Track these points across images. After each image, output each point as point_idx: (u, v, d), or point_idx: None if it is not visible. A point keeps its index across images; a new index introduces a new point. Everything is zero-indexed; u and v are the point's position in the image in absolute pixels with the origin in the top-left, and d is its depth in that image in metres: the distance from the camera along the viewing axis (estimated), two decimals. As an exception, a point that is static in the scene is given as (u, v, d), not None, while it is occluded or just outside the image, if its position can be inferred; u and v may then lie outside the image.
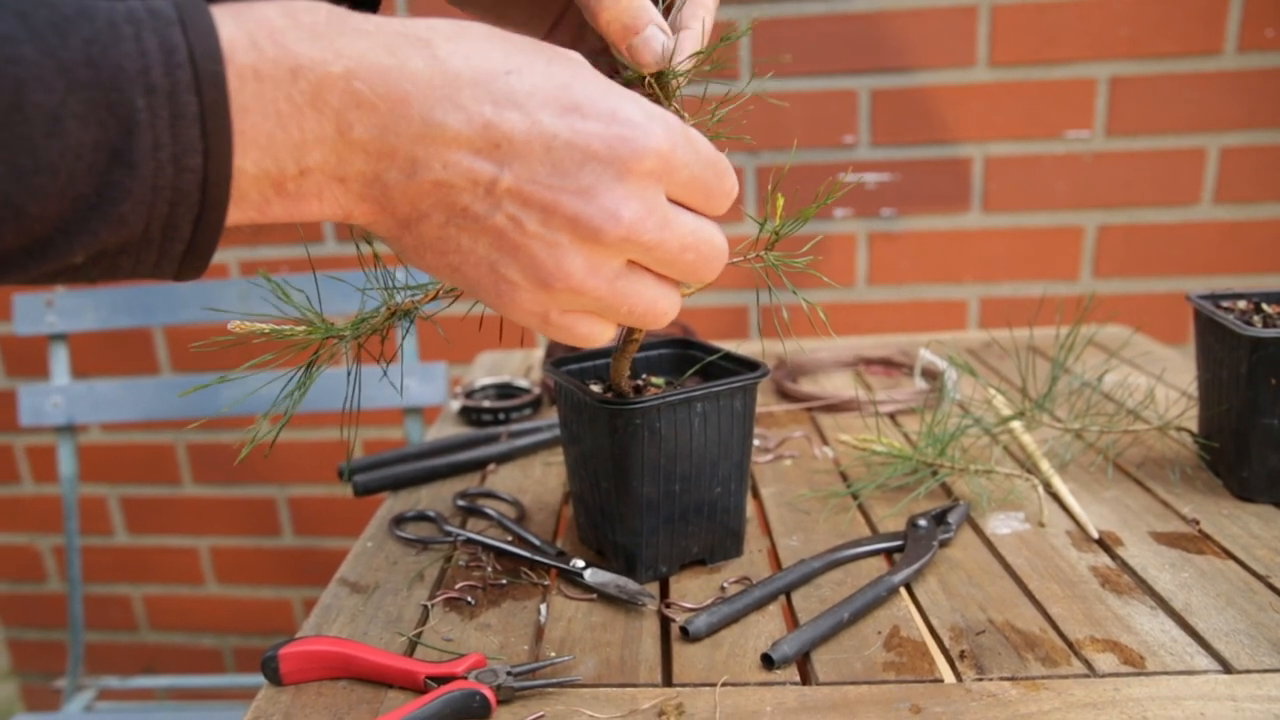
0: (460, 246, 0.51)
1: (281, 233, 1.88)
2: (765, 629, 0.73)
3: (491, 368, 1.45)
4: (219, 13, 0.44)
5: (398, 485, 1.03)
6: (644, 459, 0.75)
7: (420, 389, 1.52)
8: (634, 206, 0.51)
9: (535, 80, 0.49)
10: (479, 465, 1.06)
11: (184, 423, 2.02)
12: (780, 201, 0.70)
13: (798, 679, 0.67)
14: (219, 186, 0.43)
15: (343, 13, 0.47)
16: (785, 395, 1.25)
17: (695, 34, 0.65)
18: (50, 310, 1.54)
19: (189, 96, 0.41)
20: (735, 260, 0.71)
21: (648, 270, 0.55)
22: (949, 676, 0.66)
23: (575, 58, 0.51)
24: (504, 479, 1.04)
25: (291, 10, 0.45)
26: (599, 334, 0.57)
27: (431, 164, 0.48)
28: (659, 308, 0.56)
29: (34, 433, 2.08)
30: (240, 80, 0.43)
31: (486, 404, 1.19)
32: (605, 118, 0.50)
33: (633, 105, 0.51)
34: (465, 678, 0.65)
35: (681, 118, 0.68)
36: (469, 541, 0.87)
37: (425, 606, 0.78)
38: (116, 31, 0.40)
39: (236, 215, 0.45)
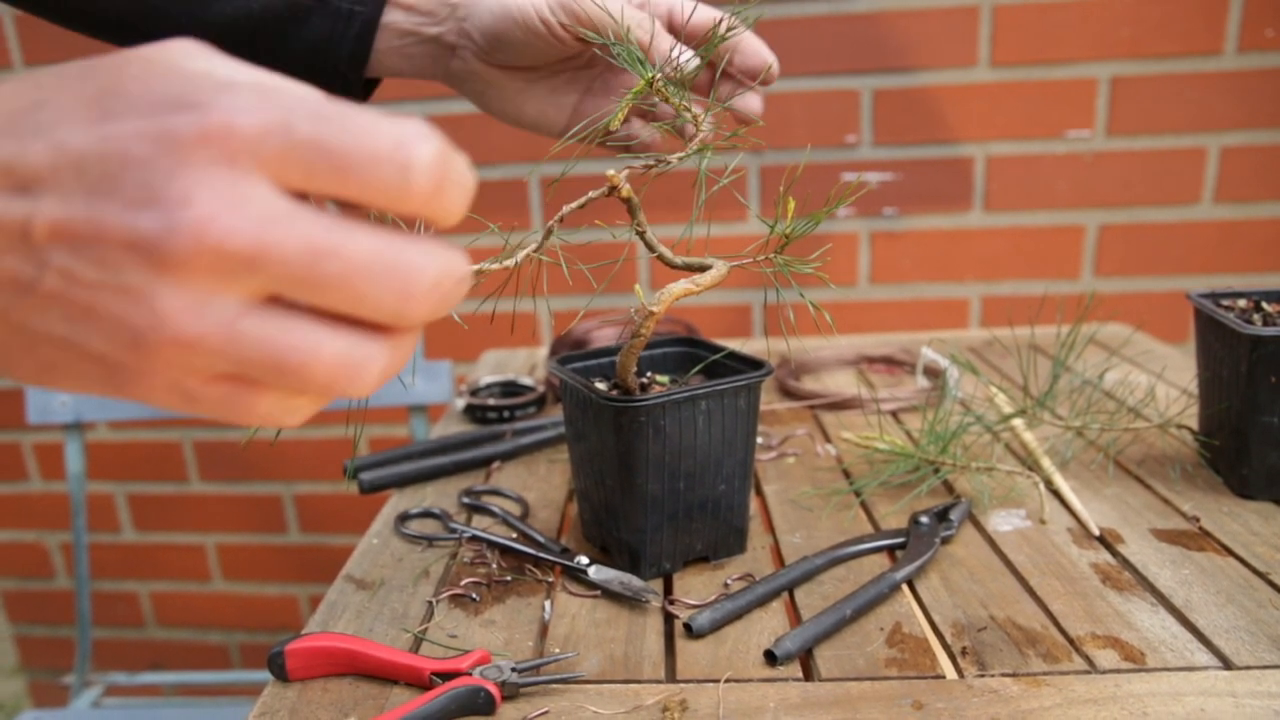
0: (36, 334, 0.38)
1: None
2: (768, 625, 0.73)
3: (496, 366, 1.46)
4: None
5: (403, 483, 1.03)
6: (649, 456, 0.75)
7: (425, 387, 1.52)
8: (200, 197, 0.35)
9: (63, 104, 0.37)
10: (484, 463, 1.07)
11: (190, 421, 2.02)
12: (791, 205, 0.70)
13: (800, 675, 0.67)
14: None
15: None
16: (788, 393, 1.25)
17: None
18: None
19: None
20: (743, 261, 0.72)
21: (299, 306, 0.38)
22: (951, 673, 0.66)
23: (133, 65, 0.38)
24: (509, 476, 1.04)
25: None
26: (282, 410, 0.40)
27: None
28: (326, 355, 0.38)
29: (41, 430, 2.08)
30: None
31: (491, 402, 1.20)
32: (144, 109, 0.36)
33: (187, 85, 0.36)
34: (470, 674, 0.66)
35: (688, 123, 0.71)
36: (474, 538, 0.87)
37: (430, 603, 0.79)
38: None
39: None
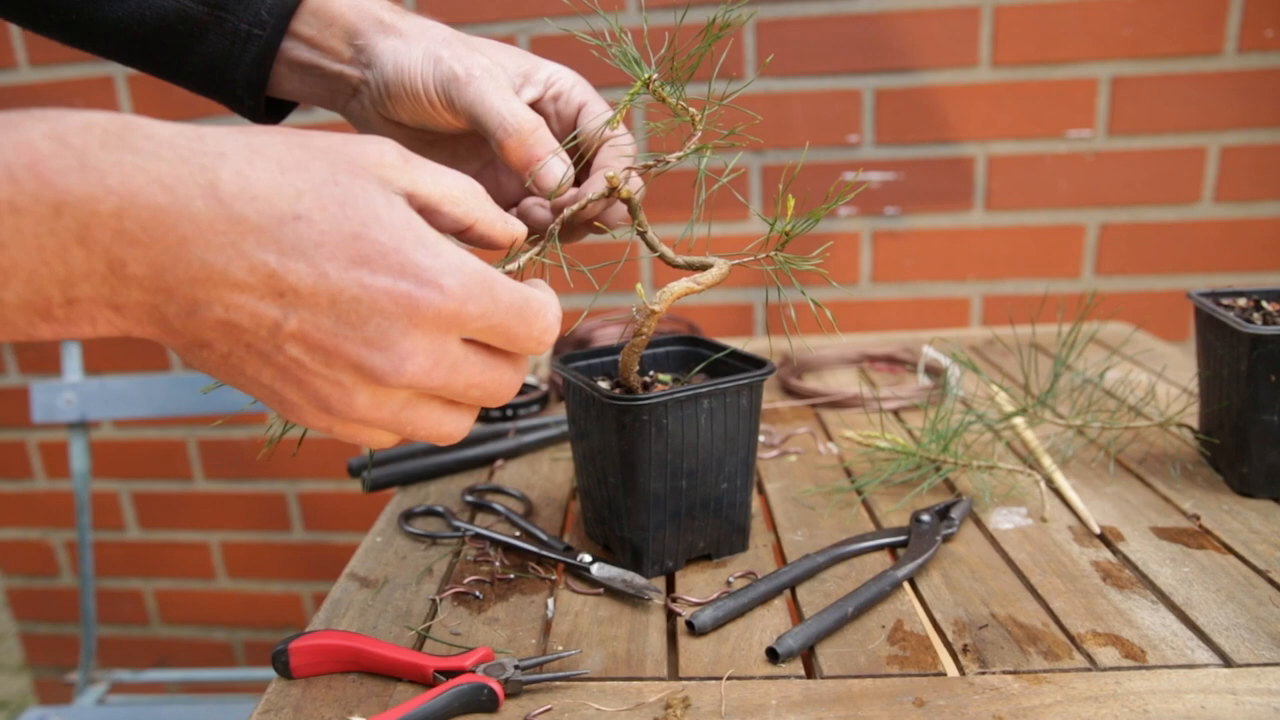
0: (244, 372, 0.49)
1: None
2: (770, 623, 0.73)
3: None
4: None
5: (407, 481, 1.03)
6: (651, 455, 0.76)
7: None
8: (419, 360, 0.49)
9: (324, 229, 0.46)
10: (487, 461, 1.07)
11: (195, 419, 2.02)
12: (791, 203, 0.70)
13: (802, 673, 0.67)
14: None
15: (126, 127, 0.43)
16: (791, 392, 1.26)
17: (599, 182, 0.68)
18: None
19: None
20: (745, 260, 0.72)
21: (435, 398, 0.54)
22: (952, 670, 0.66)
23: (372, 195, 0.48)
24: (512, 474, 1.05)
25: (62, 132, 0.41)
26: (385, 442, 0.56)
27: (213, 306, 0.45)
28: (444, 430, 0.55)
29: (47, 429, 2.09)
30: None
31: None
32: (394, 271, 0.47)
33: (427, 256, 0.48)
34: (473, 671, 0.66)
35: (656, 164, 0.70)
36: (477, 536, 0.88)
37: (434, 601, 0.79)
38: None
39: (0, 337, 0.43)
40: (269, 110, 0.80)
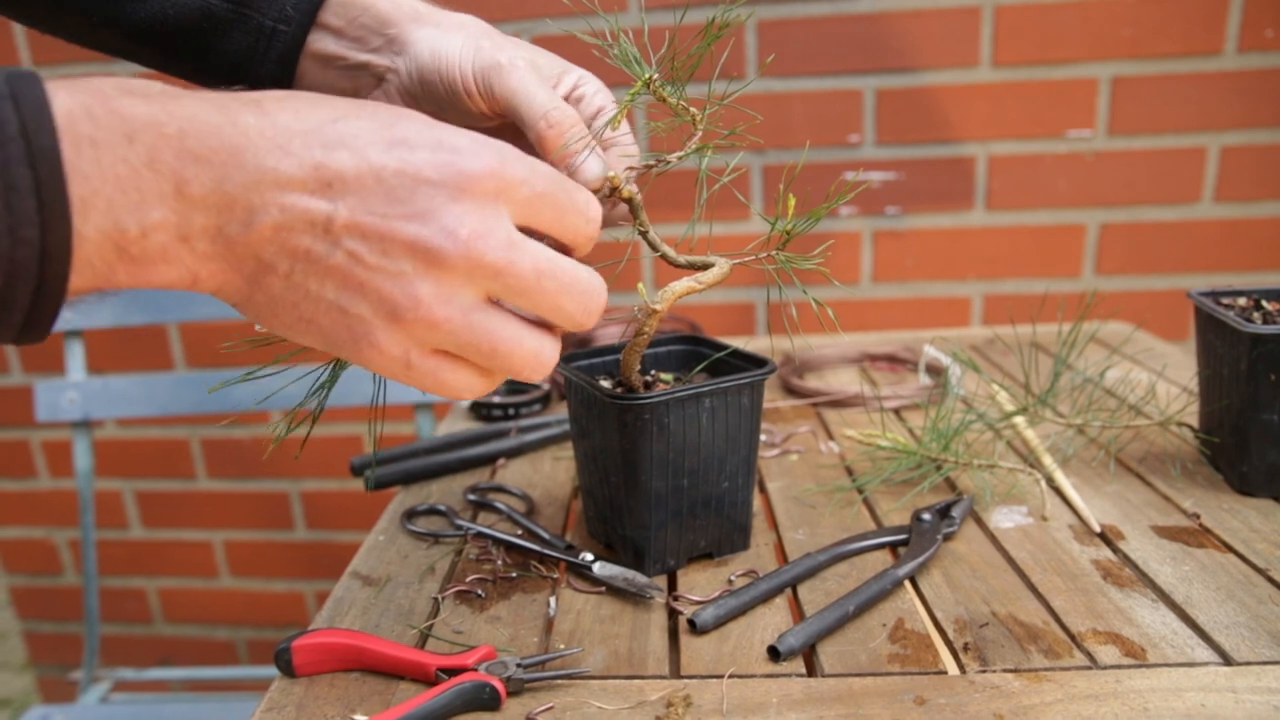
0: (309, 293, 0.51)
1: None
2: (771, 622, 0.73)
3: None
4: (53, 86, 0.44)
5: (409, 480, 1.03)
6: (653, 454, 0.76)
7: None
8: (471, 222, 0.50)
9: (361, 123, 0.50)
10: (489, 460, 1.07)
11: (198, 418, 2.03)
12: (792, 202, 0.70)
13: (804, 671, 0.67)
14: (58, 260, 0.43)
15: (176, 88, 0.48)
16: (792, 391, 1.26)
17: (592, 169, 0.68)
18: (66, 307, 1.55)
19: (22, 170, 0.41)
20: (746, 259, 0.72)
21: (511, 312, 0.54)
22: (953, 668, 0.66)
23: (402, 110, 0.52)
24: (514, 474, 1.05)
25: (125, 82, 0.46)
26: (468, 384, 0.56)
27: (269, 208, 0.48)
28: (526, 348, 0.55)
29: (50, 428, 2.10)
30: (77, 149, 0.43)
31: (496, 400, 1.20)
32: (432, 145, 0.50)
33: (460, 135, 0.51)
34: (476, 669, 0.66)
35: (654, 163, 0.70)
36: (479, 535, 0.88)
37: (436, 599, 0.79)
38: None
39: (79, 283, 0.45)
40: None
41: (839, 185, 0.70)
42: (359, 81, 0.76)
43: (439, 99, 0.71)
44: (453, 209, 0.50)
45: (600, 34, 0.69)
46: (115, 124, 0.44)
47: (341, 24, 0.74)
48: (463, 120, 0.75)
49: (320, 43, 0.74)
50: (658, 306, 0.71)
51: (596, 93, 0.73)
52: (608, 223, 0.72)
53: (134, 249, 0.46)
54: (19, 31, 1.83)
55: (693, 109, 0.70)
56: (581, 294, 0.55)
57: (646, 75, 0.68)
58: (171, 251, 0.47)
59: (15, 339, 0.46)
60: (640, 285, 0.74)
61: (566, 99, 0.73)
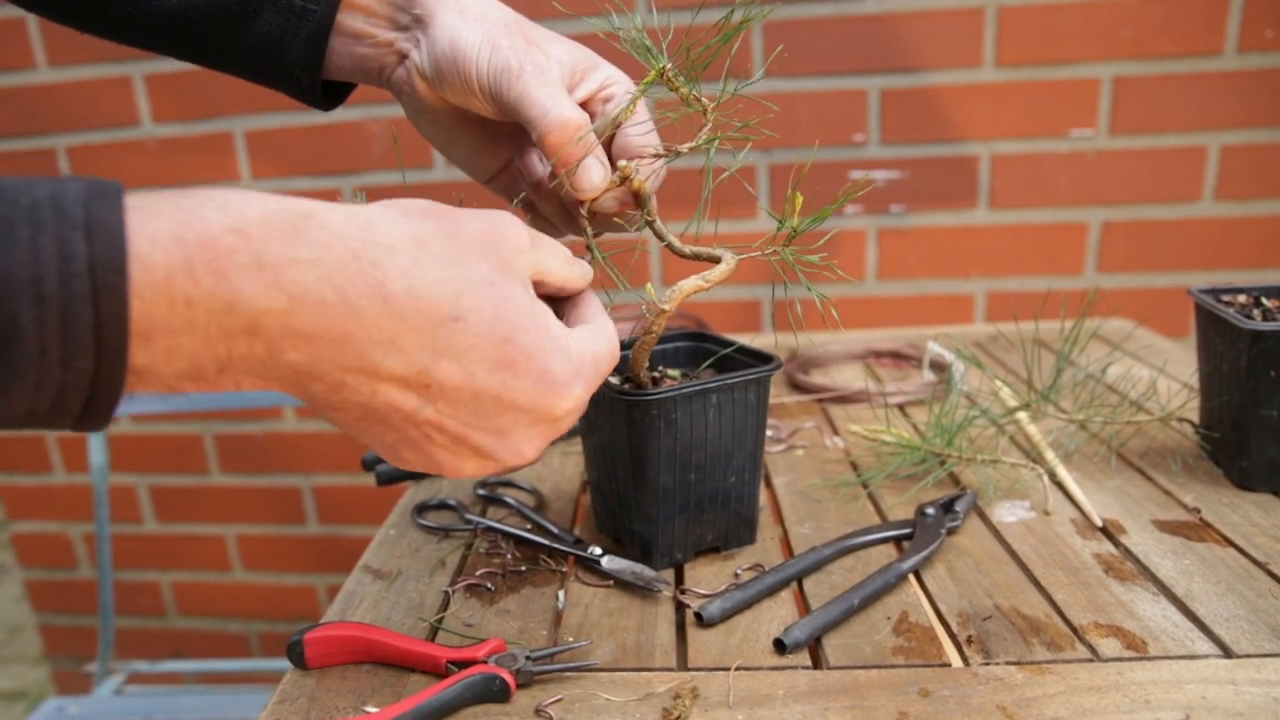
0: (368, 432, 0.54)
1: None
2: (778, 614, 0.74)
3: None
4: (159, 216, 0.42)
5: (419, 474, 1.03)
6: (660, 449, 0.76)
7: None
8: (538, 445, 0.56)
9: (478, 333, 0.50)
10: (497, 456, 1.07)
11: (212, 414, 2.03)
12: (799, 200, 0.71)
13: (809, 663, 0.68)
14: (111, 383, 0.42)
15: (302, 217, 0.45)
16: (797, 387, 1.27)
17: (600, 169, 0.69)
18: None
19: (83, 308, 0.39)
20: (752, 253, 0.73)
21: None
22: (956, 661, 0.67)
23: (519, 296, 0.53)
24: (523, 469, 1.05)
25: (243, 226, 0.43)
26: (475, 470, 0.59)
27: (360, 389, 0.49)
28: (527, 456, 0.59)
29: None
30: (170, 306, 0.42)
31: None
32: (535, 377, 0.53)
33: (563, 363, 0.54)
34: (485, 662, 0.66)
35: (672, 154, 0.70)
36: (489, 529, 0.88)
37: (446, 593, 0.79)
38: (11, 233, 0.38)
39: (143, 389, 0.45)
40: (323, 95, 0.78)
41: (846, 187, 0.71)
42: (383, 59, 0.75)
43: (454, 93, 0.71)
44: (529, 432, 0.55)
45: (611, 26, 0.69)
46: (217, 288, 0.42)
47: (370, 1, 0.72)
48: (483, 149, 0.76)
49: (350, 20, 0.73)
50: (666, 306, 0.72)
51: (626, 94, 0.72)
52: (606, 216, 0.72)
53: (209, 380, 0.46)
54: (35, 33, 1.84)
55: (704, 99, 0.70)
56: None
57: (661, 65, 0.68)
58: (245, 382, 0.47)
59: (74, 428, 0.45)
60: (649, 285, 0.75)
61: (591, 99, 0.73)
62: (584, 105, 0.72)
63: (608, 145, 0.72)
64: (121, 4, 0.73)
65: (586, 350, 0.57)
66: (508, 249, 0.53)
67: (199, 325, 0.43)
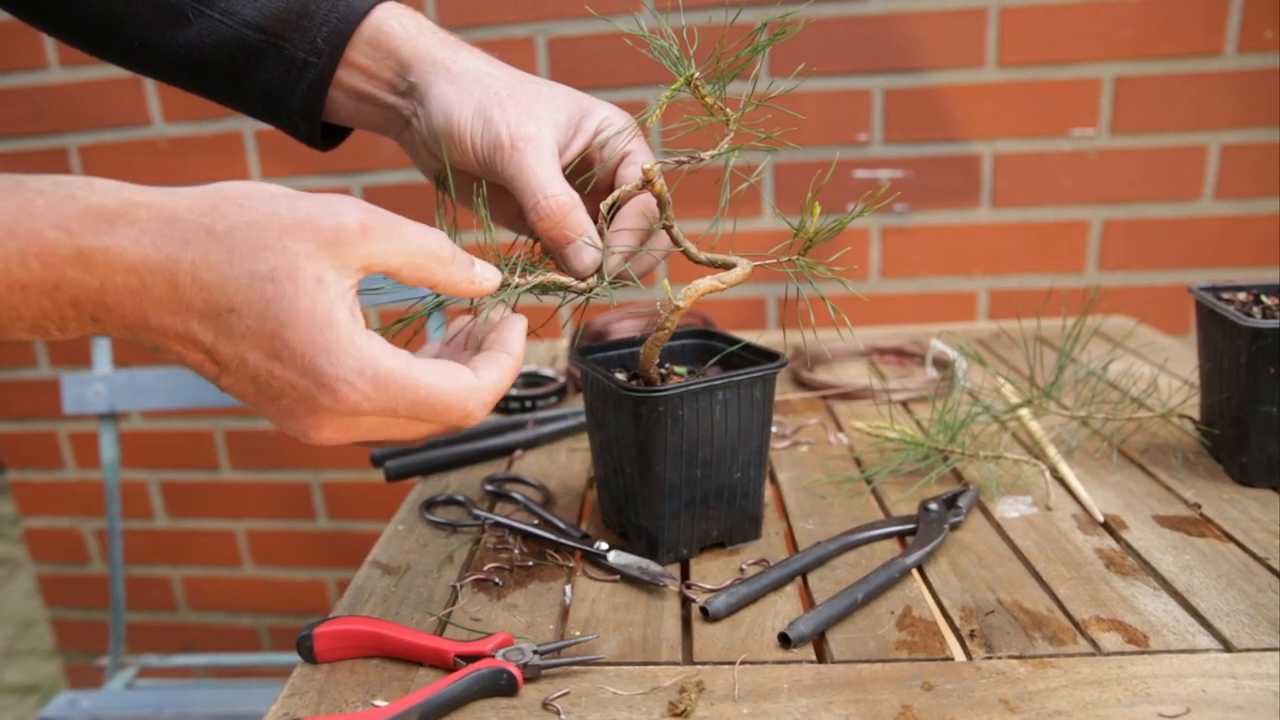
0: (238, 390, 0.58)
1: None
2: (782, 609, 0.74)
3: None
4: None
5: (428, 471, 1.04)
6: (667, 445, 0.76)
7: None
8: (326, 433, 0.58)
9: (249, 324, 0.53)
10: (506, 451, 1.08)
11: (222, 410, 2.04)
12: (817, 210, 0.71)
13: (814, 657, 0.68)
14: None
15: (122, 207, 0.52)
16: (802, 384, 1.27)
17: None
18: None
19: None
20: (767, 261, 0.73)
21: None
22: (959, 655, 0.67)
23: (300, 293, 0.54)
24: (530, 464, 1.05)
25: (64, 221, 0.50)
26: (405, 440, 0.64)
27: (171, 350, 0.55)
28: (420, 435, 0.63)
29: (77, 420, 2.10)
30: (9, 290, 0.50)
31: (514, 392, 1.21)
32: (299, 370, 0.54)
33: (328, 363, 0.54)
34: (493, 656, 0.67)
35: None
36: (496, 525, 0.89)
37: (454, 587, 0.80)
38: None
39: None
40: (326, 136, 0.81)
41: (866, 197, 0.71)
42: (389, 120, 0.77)
43: (454, 159, 0.73)
44: (310, 419, 0.57)
45: (636, 32, 0.69)
46: (45, 274, 0.50)
47: (368, 63, 0.75)
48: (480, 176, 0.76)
49: (351, 79, 0.75)
50: (681, 303, 0.72)
51: (620, 134, 0.74)
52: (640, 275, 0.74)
53: (54, 335, 0.54)
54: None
55: (727, 109, 0.71)
56: (441, 427, 0.63)
57: (689, 73, 0.68)
58: (85, 333, 0.55)
59: None
60: (665, 282, 0.75)
61: (589, 146, 0.74)
62: (583, 153, 0.74)
63: (611, 174, 0.74)
64: (130, 39, 0.76)
65: (381, 365, 0.56)
66: (324, 238, 0.54)
67: (33, 302, 0.51)
